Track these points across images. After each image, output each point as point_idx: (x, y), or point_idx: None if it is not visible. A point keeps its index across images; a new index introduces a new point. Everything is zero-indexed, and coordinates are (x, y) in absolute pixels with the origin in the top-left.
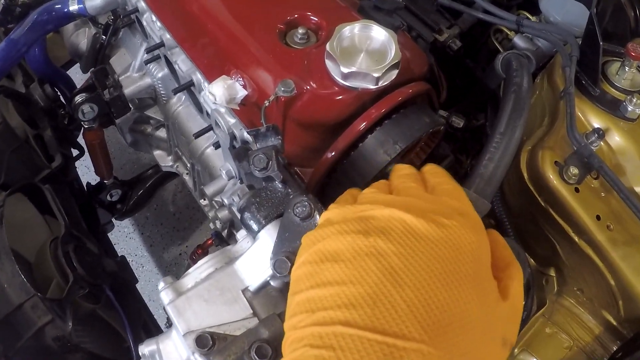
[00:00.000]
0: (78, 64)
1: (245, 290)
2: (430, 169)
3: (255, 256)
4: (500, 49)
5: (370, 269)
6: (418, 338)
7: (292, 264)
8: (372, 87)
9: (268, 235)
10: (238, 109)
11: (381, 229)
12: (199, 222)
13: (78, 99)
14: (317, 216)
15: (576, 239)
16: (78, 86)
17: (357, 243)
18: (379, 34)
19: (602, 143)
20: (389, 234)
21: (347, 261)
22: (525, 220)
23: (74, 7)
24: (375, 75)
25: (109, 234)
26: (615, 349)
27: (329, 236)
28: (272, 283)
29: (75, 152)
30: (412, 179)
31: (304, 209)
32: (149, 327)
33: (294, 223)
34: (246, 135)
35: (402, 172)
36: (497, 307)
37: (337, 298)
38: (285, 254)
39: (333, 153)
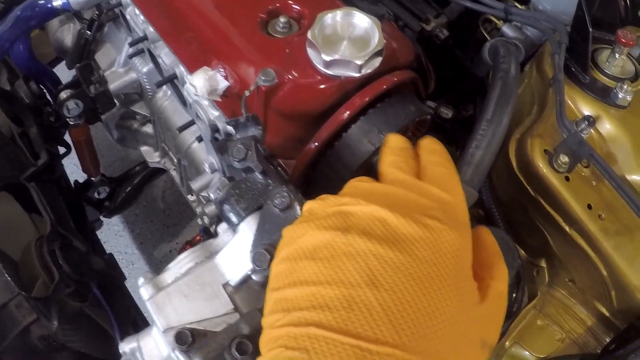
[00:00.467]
0: (64, 62)
1: (226, 285)
2: (428, 144)
3: (235, 249)
4: (489, 39)
5: (348, 269)
6: (392, 342)
7: (272, 257)
8: (356, 74)
9: (248, 228)
10: (220, 100)
11: (361, 228)
12: (189, 218)
13: (63, 95)
14: (297, 207)
15: (567, 229)
16: (65, 83)
17: (336, 241)
18: (362, 21)
19: (592, 131)
20: (369, 234)
21: (325, 260)
22: (515, 210)
23: (57, 3)
24: (358, 62)
25: (98, 232)
26: (608, 340)
27: (308, 232)
28: (253, 277)
29: (62, 150)
30: (403, 160)
31: (284, 199)
32: (139, 325)
33: (273, 214)
34: (229, 128)
35: (394, 146)
36: (476, 309)
37: (312, 299)
38: (265, 247)
39: (316, 143)
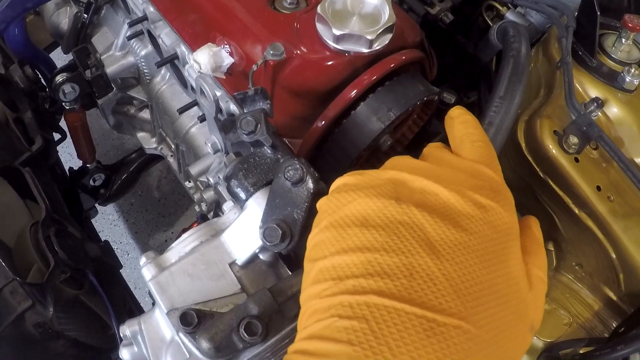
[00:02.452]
0: (60, 47)
1: (232, 264)
2: (460, 114)
3: (243, 227)
4: (492, 25)
5: (406, 237)
6: (458, 314)
7: (283, 232)
8: (365, 50)
9: (257, 204)
10: (224, 77)
11: (415, 199)
12: (185, 207)
13: (59, 78)
14: (310, 181)
15: (576, 210)
16: (61, 66)
17: (390, 209)
18: None
19: (600, 114)
20: (424, 205)
21: (379, 227)
22: (523, 193)
23: None
24: (369, 37)
25: (93, 222)
26: (615, 325)
27: (355, 200)
28: (261, 256)
29: (57, 137)
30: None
31: (296, 172)
32: (135, 314)
33: (284, 188)
34: (232, 108)
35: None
36: (527, 293)
37: (368, 266)
38: (276, 222)
39: (323, 122)
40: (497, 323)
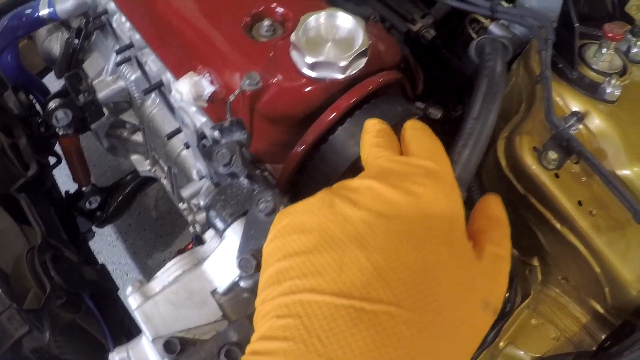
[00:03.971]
0: (53, 72)
1: (214, 292)
2: (411, 122)
3: (222, 256)
4: (476, 38)
5: (336, 235)
6: (386, 300)
7: (258, 262)
8: (340, 76)
9: (234, 234)
10: (206, 106)
11: (349, 199)
12: (182, 227)
13: (52, 104)
14: None
15: (558, 226)
16: (53, 92)
17: (323, 212)
18: (346, 22)
19: (581, 126)
20: (356, 203)
21: (313, 230)
22: (505, 209)
23: (44, 12)
24: (342, 64)
25: (91, 243)
26: (603, 337)
27: (296, 210)
28: (241, 284)
29: (52, 161)
30: (382, 139)
31: (268, 204)
32: (132, 335)
33: (258, 219)
34: (216, 134)
35: (372, 129)
36: (471, 267)
37: (303, 267)
38: (251, 252)
39: (303, 147)
40: (435, 304)
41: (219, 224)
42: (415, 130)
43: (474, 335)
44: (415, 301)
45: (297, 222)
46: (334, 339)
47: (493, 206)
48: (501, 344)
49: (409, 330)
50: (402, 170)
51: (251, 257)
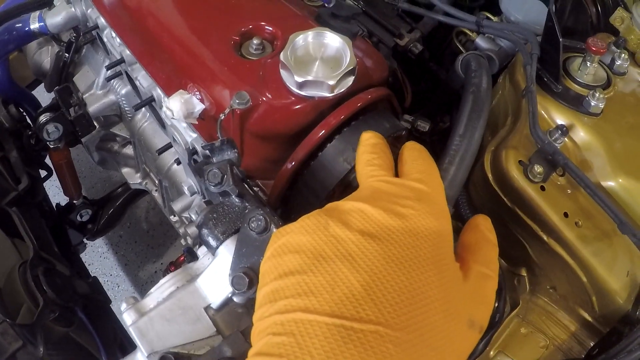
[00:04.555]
0: (43, 84)
1: (207, 308)
2: (409, 144)
3: (215, 273)
4: (463, 51)
5: (329, 256)
6: (375, 320)
7: (251, 280)
8: (329, 95)
9: (227, 251)
10: (197, 123)
11: (342, 221)
12: (173, 238)
13: (42, 118)
14: (274, 229)
15: (545, 238)
16: (44, 106)
17: (317, 233)
18: (333, 41)
19: (566, 139)
20: (348, 225)
21: (308, 251)
22: (493, 223)
23: (34, 26)
24: (331, 83)
25: (82, 255)
26: (591, 345)
27: (293, 230)
28: (234, 299)
29: (43, 173)
30: (377, 155)
31: (260, 222)
32: (126, 347)
33: (250, 238)
34: (209, 153)
35: (367, 143)
36: (458, 287)
37: (297, 287)
38: (243, 270)
39: (292, 163)
40: (421, 324)
41: (212, 242)
42: (412, 151)
43: (459, 352)
44: (401, 320)
45: (293, 242)
46: (325, 356)
47: (481, 227)
48: (491, 353)
49: (395, 349)
50: (393, 192)
51: (243, 275)
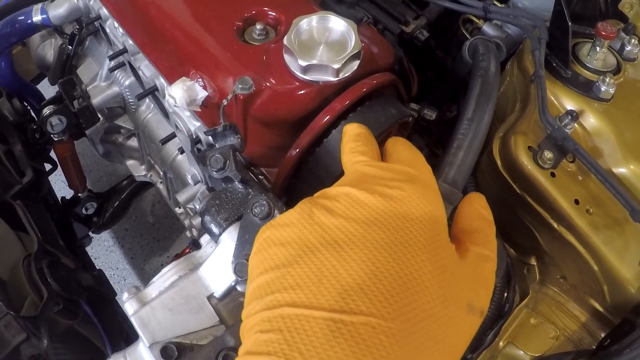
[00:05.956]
0: (47, 78)
1: (210, 297)
2: (393, 137)
3: (218, 261)
4: (469, 39)
5: (315, 245)
6: (366, 311)
7: None
8: (333, 79)
9: (230, 239)
10: (199, 110)
11: (326, 206)
12: (179, 231)
13: (46, 111)
14: (278, 215)
15: (555, 225)
16: (47, 99)
17: (302, 223)
18: (338, 25)
19: (576, 125)
20: (333, 210)
21: (293, 242)
22: (502, 209)
23: (37, 18)
24: (335, 66)
25: (88, 249)
26: (603, 335)
27: (277, 222)
28: (238, 288)
29: (48, 167)
30: (361, 143)
31: (263, 208)
32: (131, 340)
33: (253, 224)
34: (211, 138)
35: (350, 133)
36: (455, 271)
37: (283, 280)
38: (246, 257)
39: (297, 150)
40: (416, 312)
41: (214, 229)
42: (396, 143)
43: (459, 339)
44: (394, 310)
45: (277, 234)
46: (314, 352)
47: (476, 205)
48: (500, 343)
49: (388, 340)
50: (380, 174)
51: (246, 262)
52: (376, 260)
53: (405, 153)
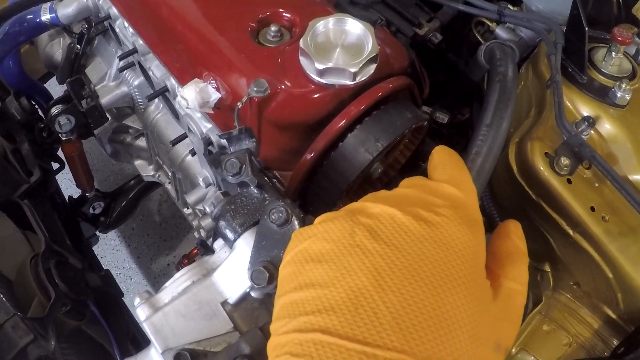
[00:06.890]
0: (55, 77)
1: (224, 303)
2: (439, 148)
3: (233, 267)
4: (482, 41)
5: (354, 270)
6: (399, 348)
7: (271, 274)
8: (350, 83)
9: (245, 244)
10: (212, 112)
11: (369, 228)
12: (186, 231)
13: (54, 110)
14: (296, 222)
15: (570, 232)
16: (56, 98)
17: (342, 242)
18: (355, 28)
19: (592, 132)
20: (376, 233)
21: (331, 261)
22: (516, 216)
23: (46, 17)
24: (352, 70)
25: (95, 248)
26: (616, 343)
27: (315, 234)
28: (252, 294)
29: (55, 166)
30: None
31: (281, 214)
32: (138, 341)
33: (270, 230)
34: (223, 141)
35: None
36: (488, 310)
37: (318, 302)
38: (263, 264)
39: (312, 154)
40: (447, 352)
41: (230, 234)
42: (443, 156)
43: None
44: (427, 349)
45: (315, 248)
46: None
47: (513, 236)
48: (513, 350)
49: None
50: (426, 198)
51: (263, 269)
52: (415, 294)
53: (452, 168)
